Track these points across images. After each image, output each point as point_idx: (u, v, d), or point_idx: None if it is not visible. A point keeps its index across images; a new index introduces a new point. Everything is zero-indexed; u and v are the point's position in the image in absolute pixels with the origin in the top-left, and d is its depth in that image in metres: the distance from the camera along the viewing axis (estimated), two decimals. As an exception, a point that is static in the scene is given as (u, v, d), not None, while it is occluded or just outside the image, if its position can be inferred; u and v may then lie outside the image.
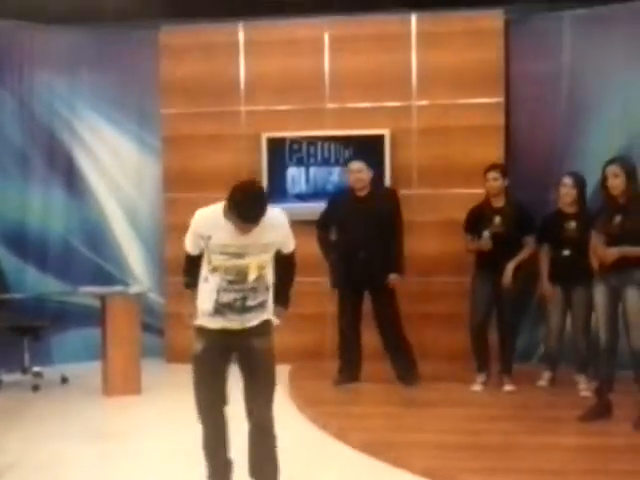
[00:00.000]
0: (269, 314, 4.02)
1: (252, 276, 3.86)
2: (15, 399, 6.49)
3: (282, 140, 7.58)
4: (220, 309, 3.88)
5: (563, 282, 6.30)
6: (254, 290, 3.90)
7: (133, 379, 6.58)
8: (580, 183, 6.30)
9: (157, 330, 7.93)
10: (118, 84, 7.98)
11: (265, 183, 7.54)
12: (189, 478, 4.61)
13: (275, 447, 4.07)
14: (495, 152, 7.26)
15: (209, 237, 3.83)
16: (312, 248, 6.90)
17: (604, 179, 5.37)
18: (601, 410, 5.41)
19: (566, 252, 6.24)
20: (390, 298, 6.52)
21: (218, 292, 3.87)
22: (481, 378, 6.43)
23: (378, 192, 6.61)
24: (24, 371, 6.99)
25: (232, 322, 3.91)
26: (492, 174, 6.39)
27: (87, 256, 7.95)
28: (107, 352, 6.60)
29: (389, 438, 5.17)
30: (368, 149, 7.31)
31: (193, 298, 4.01)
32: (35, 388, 6.78)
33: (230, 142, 7.69)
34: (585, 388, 6.17)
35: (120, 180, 8.14)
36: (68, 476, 4.68)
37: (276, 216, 3.93)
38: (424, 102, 7.52)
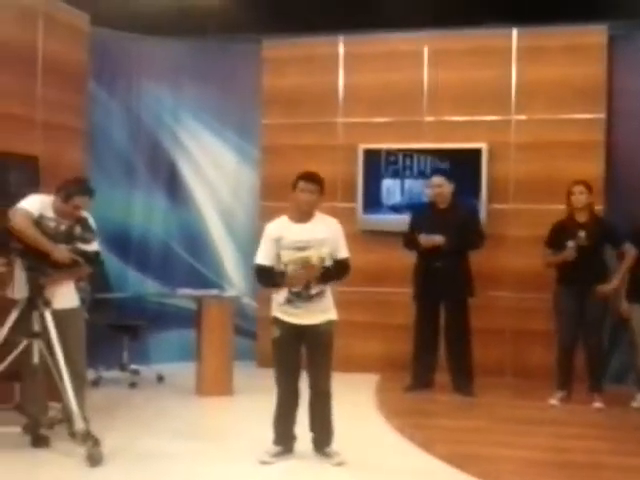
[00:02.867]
0: (331, 308, 4.89)
1: (314, 263, 4.76)
2: (113, 395, 6.71)
3: (378, 152, 7.65)
4: (291, 298, 4.80)
5: None
6: (315, 279, 4.77)
7: (225, 381, 6.74)
8: None
9: (250, 334, 8.09)
10: (220, 95, 8.22)
11: (361, 194, 7.65)
12: (275, 476, 4.73)
13: (331, 407, 4.97)
14: (595, 168, 7.17)
15: (281, 238, 4.79)
16: (403, 259, 6.98)
17: None
18: None
19: None
20: (462, 311, 6.66)
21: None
22: (560, 394, 6.40)
23: (458, 206, 6.73)
24: (122, 368, 7.25)
25: (299, 311, 4.80)
26: (579, 188, 6.36)
27: (185, 260, 8.20)
28: (202, 353, 6.78)
29: (475, 451, 5.15)
30: (465, 162, 7.33)
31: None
32: (132, 385, 7.03)
33: (327, 153, 7.80)
34: None
35: (219, 188, 8.37)
36: (161, 470, 4.81)
37: (332, 220, 4.93)
38: (523, 117, 7.48)
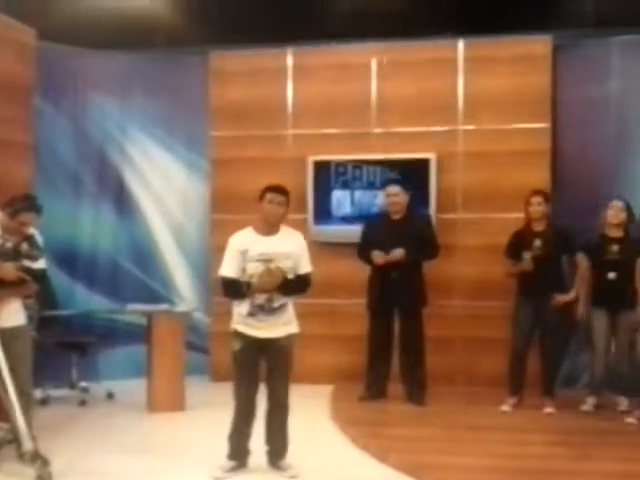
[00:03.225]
0: (293, 321, 4.91)
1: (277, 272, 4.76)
2: (63, 413, 6.59)
3: (328, 163, 7.66)
4: (253, 311, 4.78)
5: (608, 306, 6.28)
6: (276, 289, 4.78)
7: (177, 396, 6.67)
8: (628, 208, 6.31)
9: (202, 349, 8.02)
10: (168, 107, 8.16)
11: (311, 205, 7.64)
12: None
13: (288, 420, 4.97)
14: (541, 177, 7.27)
15: (247, 250, 4.76)
16: (354, 270, 6.99)
17: None
18: None
19: (611, 275, 6.22)
20: (416, 321, 6.70)
21: (253, 295, 4.77)
22: (512, 400, 6.47)
23: (413, 216, 6.75)
24: (72, 386, 7.12)
25: (262, 324, 4.79)
26: (537, 199, 6.43)
27: (135, 275, 8.10)
28: (152, 369, 6.70)
29: (429, 460, 5.15)
30: (413, 173, 7.37)
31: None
32: (82, 403, 6.91)
33: (277, 165, 7.78)
34: (626, 409, 6.21)
35: (168, 201, 8.30)
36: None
37: (297, 234, 4.97)
38: (470, 127, 7.56)
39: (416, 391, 6.68)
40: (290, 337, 4.90)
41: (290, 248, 4.83)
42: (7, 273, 4.80)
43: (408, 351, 6.72)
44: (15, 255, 4.87)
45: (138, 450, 5.54)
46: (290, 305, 4.89)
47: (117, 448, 5.58)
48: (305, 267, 4.90)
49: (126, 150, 8.18)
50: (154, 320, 6.74)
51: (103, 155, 8.09)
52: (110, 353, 7.85)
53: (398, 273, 6.54)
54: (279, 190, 4.89)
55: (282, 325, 4.85)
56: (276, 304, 4.80)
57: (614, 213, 6.32)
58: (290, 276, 4.81)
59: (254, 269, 4.74)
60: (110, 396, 7.14)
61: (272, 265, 4.74)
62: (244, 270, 4.77)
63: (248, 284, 4.74)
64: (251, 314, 4.79)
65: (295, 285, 4.85)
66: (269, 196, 4.84)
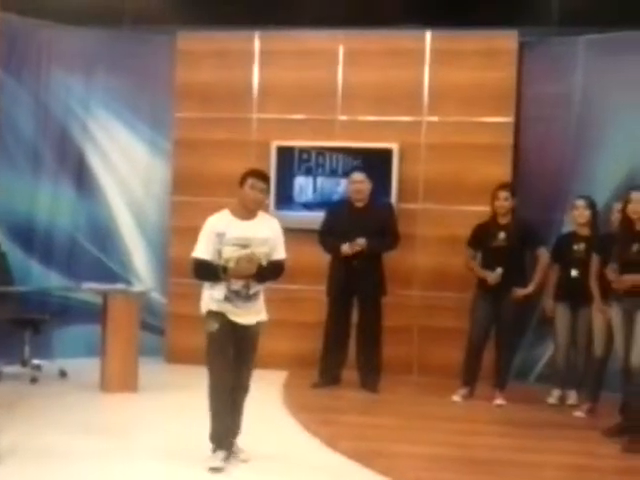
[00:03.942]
0: (264, 309, 4.88)
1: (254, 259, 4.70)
2: (13, 391, 6.50)
3: (291, 149, 7.64)
4: (230, 296, 4.71)
5: (569, 302, 6.37)
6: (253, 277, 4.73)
7: (131, 377, 6.62)
8: (592, 206, 6.40)
9: (158, 330, 7.98)
10: (133, 86, 8.07)
11: (273, 191, 7.61)
12: (182, 474, 4.67)
13: (244, 401, 4.95)
14: (503, 171, 7.31)
15: (224, 233, 4.68)
16: (314, 257, 7.00)
17: (625, 204, 5.41)
18: (623, 428, 5.44)
19: (574, 272, 6.31)
20: (375, 310, 6.74)
21: (230, 280, 4.70)
22: (463, 391, 6.52)
23: (375, 205, 6.76)
24: (24, 363, 7.04)
25: (238, 310, 4.74)
26: (504, 194, 6.48)
27: (92, 253, 8.02)
28: (106, 349, 6.66)
29: (380, 448, 5.18)
30: (376, 162, 7.38)
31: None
32: (33, 380, 6.83)
33: (240, 148, 7.75)
34: (575, 402, 6.33)
35: (129, 180, 8.22)
36: (62, 468, 4.69)
37: (274, 220, 4.95)
38: (434, 118, 7.58)
39: (370, 378, 6.72)
40: (261, 325, 4.89)
41: (267, 234, 4.78)
42: None
43: (365, 339, 6.75)
44: None
45: (89, 430, 5.49)
46: (262, 293, 4.85)
47: (68, 428, 5.53)
48: (280, 253, 4.85)
49: (88, 128, 8.08)
50: (110, 299, 6.69)
51: (64, 132, 7.98)
52: (64, 331, 7.77)
53: (359, 262, 6.56)
54: (261, 176, 4.81)
55: (255, 313, 4.83)
56: (252, 291, 4.76)
57: (578, 213, 6.40)
58: (264, 262, 4.75)
59: (230, 253, 4.67)
60: (63, 374, 7.07)
61: (248, 250, 4.68)
62: (219, 253, 4.69)
63: (225, 268, 4.67)
64: (227, 299, 4.73)
65: (270, 272, 4.81)
66: (251, 181, 4.74)
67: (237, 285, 4.72)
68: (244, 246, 4.69)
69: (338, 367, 6.82)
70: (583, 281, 6.15)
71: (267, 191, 4.88)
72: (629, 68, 7.05)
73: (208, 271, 4.73)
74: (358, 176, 6.78)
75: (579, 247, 6.35)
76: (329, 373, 6.81)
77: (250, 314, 4.80)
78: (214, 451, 4.79)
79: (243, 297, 4.74)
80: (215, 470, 4.67)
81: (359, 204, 6.76)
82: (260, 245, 4.73)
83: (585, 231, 6.40)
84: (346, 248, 6.53)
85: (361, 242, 6.52)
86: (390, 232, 6.73)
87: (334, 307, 6.82)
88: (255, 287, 4.77)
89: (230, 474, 4.70)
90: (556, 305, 6.48)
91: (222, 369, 4.75)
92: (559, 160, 7.39)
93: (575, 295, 6.31)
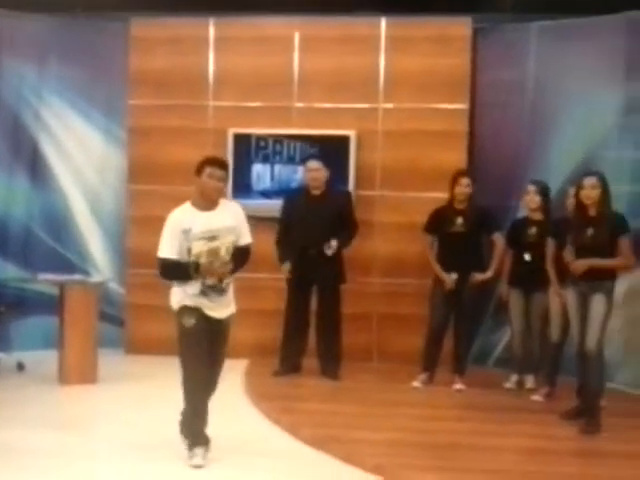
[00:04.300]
0: (233, 301, 4.85)
1: (224, 256, 4.63)
2: (-30, 384, 6.46)
3: (248, 137, 7.61)
4: (205, 290, 4.62)
5: (523, 286, 6.46)
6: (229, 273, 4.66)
7: (89, 368, 6.58)
8: (544, 191, 6.47)
9: (117, 320, 7.93)
10: (87, 74, 7.96)
11: (230, 179, 7.58)
12: (143, 468, 4.66)
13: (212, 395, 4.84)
14: (458, 157, 7.37)
15: (189, 229, 4.55)
16: (271, 245, 6.99)
17: (578, 189, 5.49)
18: (580, 411, 5.54)
19: (527, 257, 6.40)
20: (334, 298, 6.78)
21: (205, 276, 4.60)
22: (423, 377, 6.59)
23: (332, 193, 6.80)
24: (-20, 356, 6.98)
25: (213, 304, 4.67)
26: (465, 180, 6.54)
27: (48, 244, 7.92)
28: (64, 341, 6.60)
29: (341, 434, 5.22)
30: (333, 149, 7.39)
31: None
32: (-10, 373, 6.78)
33: (196, 136, 7.69)
34: (532, 386, 6.41)
35: (84, 169, 8.13)
36: (21, 463, 4.65)
37: (236, 205, 4.86)
38: (390, 105, 7.60)
39: (331, 366, 6.76)
40: (232, 317, 4.85)
41: (232, 222, 4.67)
42: None
43: (325, 327, 6.78)
44: None
45: (48, 424, 5.45)
46: (231, 284, 4.79)
47: (26, 421, 5.49)
48: (246, 238, 4.76)
49: (42, 116, 7.96)
50: (67, 290, 6.63)
51: (17, 121, 7.85)
52: (21, 323, 7.67)
53: (317, 250, 6.58)
54: (218, 164, 4.67)
55: (226, 306, 4.77)
56: (224, 284, 4.69)
57: (529, 198, 6.48)
58: (229, 252, 4.67)
59: (199, 247, 4.56)
60: (20, 367, 7.00)
61: (218, 245, 4.58)
62: (188, 250, 4.56)
63: (197, 265, 4.54)
64: (203, 293, 4.64)
65: (240, 262, 4.73)
66: (209, 170, 4.59)
67: (211, 280, 4.62)
68: (212, 238, 4.59)
69: (298, 355, 6.84)
70: (536, 265, 6.26)
71: (226, 179, 4.73)
72: (581, 55, 7.13)
73: (178, 270, 4.59)
74: (314, 164, 6.79)
75: (531, 232, 6.44)
76: (289, 361, 6.83)
77: (223, 307, 4.74)
78: (191, 448, 4.70)
79: (218, 290, 4.66)
80: (197, 467, 4.60)
81: (316, 192, 6.78)
82: (227, 234, 4.64)
83: (537, 216, 6.48)
84: (330, 250, 6.56)
85: (333, 245, 6.53)
86: (349, 221, 6.76)
87: (293, 295, 6.84)
88: (228, 278, 4.69)
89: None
90: (510, 290, 6.56)
91: (199, 365, 4.63)
92: (514, 146, 7.47)
93: (528, 280, 6.40)
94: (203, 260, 4.56)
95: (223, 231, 4.62)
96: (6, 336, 7.52)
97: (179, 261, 4.57)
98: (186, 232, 4.54)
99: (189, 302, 4.65)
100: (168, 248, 4.57)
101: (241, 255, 4.74)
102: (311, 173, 6.77)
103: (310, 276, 6.69)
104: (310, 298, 6.84)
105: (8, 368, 6.95)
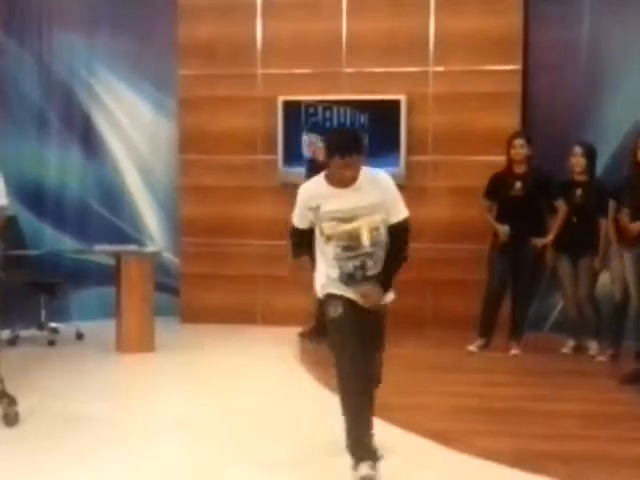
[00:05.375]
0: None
1: (365, 239, 3.84)
2: (31, 354, 6.58)
3: (298, 104, 7.58)
4: (345, 279, 3.89)
5: (570, 250, 6.36)
6: (371, 257, 3.87)
7: (147, 337, 6.68)
8: (590, 152, 6.38)
9: (172, 290, 8.02)
10: (136, 45, 8.00)
11: (281, 146, 7.59)
12: (200, 433, 4.71)
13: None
14: (511, 120, 7.26)
15: (318, 207, 3.85)
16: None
17: (636, 149, 5.36)
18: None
19: (574, 219, 6.30)
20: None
21: (338, 261, 3.88)
22: (480, 342, 6.54)
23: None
24: (40, 327, 7.11)
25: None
26: (519, 141, 6.43)
27: (103, 215, 8.03)
28: (121, 310, 6.70)
29: (397, 401, 5.20)
30: (384, 114, 7.34)
31: (306, 268, 4.16)
32: (51, 343, 6.91)
33: (246, 105, 7.70)
34: (596, 353, 6.30)
35: (136, 140, 8.20)
36: (80, 431, 4.73)
37: (380, 176, 3.91)
38: (441, 68, 7.50)
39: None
40: (388, 306, 4.10)
41: (374, 199, 3.82)
42: None
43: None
44: None
45: (106, 393, 5.54)
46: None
47: (86, 389, 5.59)
48: (400, 213, 3.89)
49: (93, 88, 8.04)
50: (123, 261, 6.71)
51: (69, 93, 7.94)
52: (80, 294, 7.82)
53: None
54: (349, 150, 3.73)
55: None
56: (372, 271, 3.89)
57: (575, 160, 6.37)
58: (383, 231, 3.87)
59: (331, 229, 3.84)
60: (79, 337, 7.14)
61: (355, 226, 3.81)
62: (321, 230, 3.89)
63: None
64: (341, 280, 3.91)
65: (397, 246, 3.92)
66: (338, 161, 3.74)
67: (348, 268, 3.88)
68: (346, 219, 3.82)
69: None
70: (582, 228, 6.18)
71: (358, 158, 3.77)
72: (637, 13, 6.94)
73: (298, 247, 4.07)
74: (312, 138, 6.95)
75: (577, 193, 6.35)
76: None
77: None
78: (356, 464, 3.83)
79: (359, 280, 3.89)
80: (367, 478, 3.78)
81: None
82: (370, 214, 3.83)
83: (582, 177, 6.39)
84: None
85: None
86: None
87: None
88: (375, 268, 3.88)
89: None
90: (558, 255, 6.47)
91: (350, 359, 3.81)
92: (569, 107, 7.32)
93: (575, 244, 6.31)
94: (335, 241, 3.86)
95: (362, 211, 3.81)
96: (65, 307, 7.68)
97: (301, 238, 4.04)
98: (314, 210, 3.86)
99: (333, 289, 3.92)
100: (298, 218, 4.00)
101: (397, 236, 3.92)
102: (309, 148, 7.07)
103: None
104: None
105: (68, 338, 7.08)
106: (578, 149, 6.38)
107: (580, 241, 6.24)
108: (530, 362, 6.29)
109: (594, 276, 6.22)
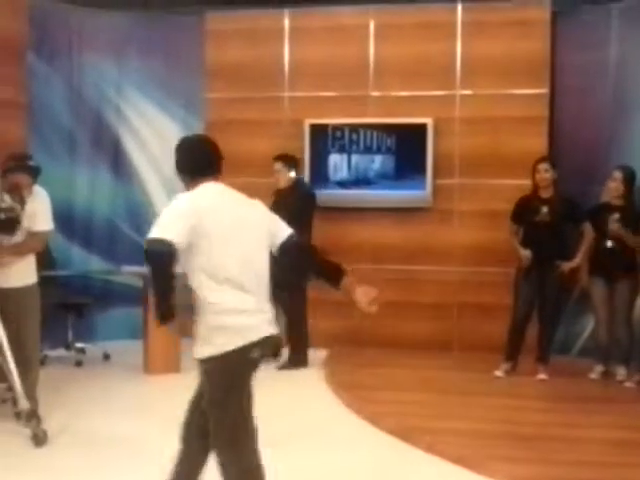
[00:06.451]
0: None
1: None
2: (59, 374, 6.63)
3: (325, 127, 7.62)
4: None
5: (605, 274, 6.32)
6: None
7: (173, 358, 6.69)
8: (630, 177, 6.36)
9: (197, 311, 8.02)
10: (165, 68, 8.09)
11: (307, 169, 7.62)
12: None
13: None
14: (539, 143, 7.24)
15: None
16: (353, 235, 6.97)
17: None
18: None
19: (609, 244, 6.27)
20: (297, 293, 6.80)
21: None
22: (506, 366, 6.50)
23: (298, 191, 6.92)
24: (68, 347, 7.17)
25: None
26: (544, 165, 6.43)
27: (131, 237, 8.08)
28: (148, 331, 6.72)
29: (422, 424, 5.21)
30: (411, 137, 7.36)
31: None
32: (78, 364, 6.96)
33: (273, 128, 7.75)
34: (624, 378, 6.25)
35: (164, 163, 8.23)
36: (105, 451, 4.77)
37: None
38: (468, 92, 7.51)
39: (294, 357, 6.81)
40: None
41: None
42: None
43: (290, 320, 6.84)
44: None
45: (133, 412, 5.58)
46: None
47: (113, 409, 5.63)
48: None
49: (122, 111, 8.13)
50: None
51: (99, 115, 8.04)
52: (107, 315, 7.87)
53: None
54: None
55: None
56: None
57: (615, 185, 6.36)
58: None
59: None
60: (106, 357, 7.18)
61: None
62: None
63: None
64: None
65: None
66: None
67: None
68: None
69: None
70: (619, 252, 6.13)
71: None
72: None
73: None
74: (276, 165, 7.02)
75: (614, 218, 6.31)
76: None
77: None
78: None
79: None
80: None
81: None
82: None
83: (619, 202, 6.36)
84: None
85: None
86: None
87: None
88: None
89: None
90: (592, 279, 6.44)
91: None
92: (597, 131, 7.30)
93: (611, 268, 6.28)
94: None
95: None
96: (92, 327, 7.73)
97: None
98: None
99: None
100: None
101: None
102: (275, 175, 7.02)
103: None
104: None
105: (95, 358, 7.13)
106: (618, 174, 6.37)
107: (616, 265, 6.20)
108: (558, 387, 6.24)
109: (631, 301, 6.18)
